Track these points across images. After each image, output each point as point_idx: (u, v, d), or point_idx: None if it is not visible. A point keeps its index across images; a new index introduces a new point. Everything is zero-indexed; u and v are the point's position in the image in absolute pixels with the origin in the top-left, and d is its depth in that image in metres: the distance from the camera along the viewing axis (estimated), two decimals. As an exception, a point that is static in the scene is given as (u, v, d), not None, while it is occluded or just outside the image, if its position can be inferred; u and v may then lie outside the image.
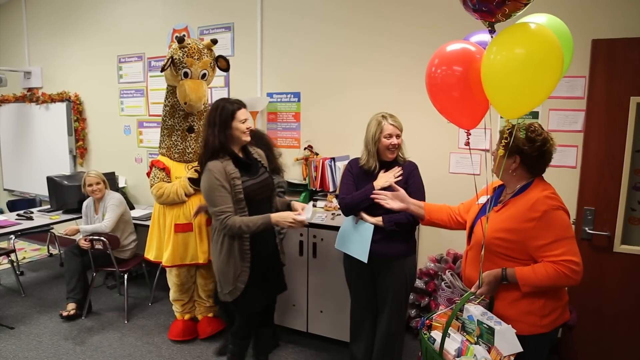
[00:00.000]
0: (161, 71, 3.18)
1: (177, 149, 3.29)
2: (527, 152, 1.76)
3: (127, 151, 4.93)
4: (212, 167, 2.31)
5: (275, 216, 2.33)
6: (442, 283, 2.08)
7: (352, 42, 3.62)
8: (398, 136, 2.40)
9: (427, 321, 1.83)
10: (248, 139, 2.44)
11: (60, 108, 5.29)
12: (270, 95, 4.05)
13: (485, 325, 1.62)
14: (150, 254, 3.37)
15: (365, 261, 2.41)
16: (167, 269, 3.37)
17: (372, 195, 2.27)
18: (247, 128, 2.41)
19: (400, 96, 3.45)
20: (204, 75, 3.25)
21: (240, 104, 2.42)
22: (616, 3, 2.76)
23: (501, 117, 3.09)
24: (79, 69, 5.25)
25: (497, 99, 1.61)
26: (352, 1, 3.60)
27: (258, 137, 2.87)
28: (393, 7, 3.43)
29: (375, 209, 2.38)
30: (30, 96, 5.55)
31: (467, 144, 1.81)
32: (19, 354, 3.18)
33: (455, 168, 3.33)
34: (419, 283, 3.27)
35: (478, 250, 1.82)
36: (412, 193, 2.33)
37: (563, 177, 2.95)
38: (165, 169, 3.24)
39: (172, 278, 3.37)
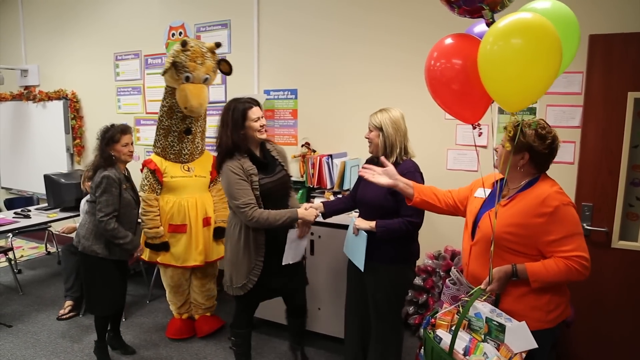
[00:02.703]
0: (162, 75, 3.10)
1: (173, 150, 3.26)
2: (537, 149, 1.75)
3: (124, 149, 4.90)
4: (230, 164, 2.35)
5: (302, 212, 2.40)
6: (447, 280, 2.01)
7: (350, 38, 3.61)
8: (370, 130, 2.40)
9: (432, 320, 1.80)
10: (264, 136, 2.45)
11: (57, 106, 5.28)
12: (267, 92, 4.03)
13: (495, 323, 1.60)
14: (144, 254, 3.24)
15: (362, 270, 2.36)
16: (161, 270, 3.36)
17: (360, 172, 2.19)
18: (262, 126, 2.41)
19: (398, 91, 3.43)
20: (205, 80, 3.17)
21: (252, 103, 2.43)
22: (613, -2, 2.75)
23: (499, 114, 3.09)
24: (75, 67, 5.23)
25: (495, 91, 1.58)
26: (348, -4, 3.58)
27: None
28: (390, 1, 3.41)
29: (371, 214, 2.35)
30: (27, 94, 5.53)
31: (480, 134, 1.84)
32: (17, 352, 3.17)
33: (453, 164, 3.31)
34: (417, 280, 3.25)
35: (484, 246, 1.80)
36: (403, 200, 2.18)
37: (560, 173, 2.93)
38: (156, 171, 3.18)
39: (166, 279, 3.35)
